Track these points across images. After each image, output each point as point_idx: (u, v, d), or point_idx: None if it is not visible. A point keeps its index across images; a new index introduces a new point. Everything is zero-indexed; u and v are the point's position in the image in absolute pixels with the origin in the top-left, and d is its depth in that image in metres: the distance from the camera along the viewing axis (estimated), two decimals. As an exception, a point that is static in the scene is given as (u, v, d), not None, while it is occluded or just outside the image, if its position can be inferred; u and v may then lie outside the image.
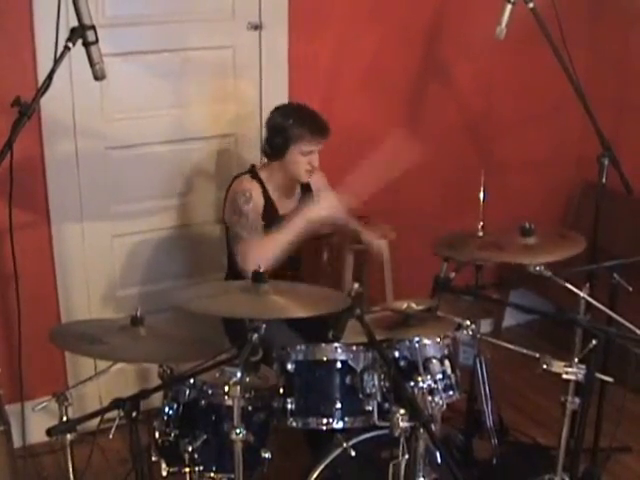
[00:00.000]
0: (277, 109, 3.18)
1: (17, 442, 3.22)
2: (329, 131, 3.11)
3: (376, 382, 2.42)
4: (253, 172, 3.19)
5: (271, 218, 3.14)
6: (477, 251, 2.88)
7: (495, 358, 3.17)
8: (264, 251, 2.97)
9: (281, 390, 2.45)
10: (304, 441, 2.92)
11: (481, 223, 2.96)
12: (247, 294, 2.41)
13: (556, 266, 2.62)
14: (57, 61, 2.31)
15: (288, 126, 3.08)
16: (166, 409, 2.48)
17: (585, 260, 3.04)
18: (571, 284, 2.56)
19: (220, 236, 3.59)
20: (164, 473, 2.46)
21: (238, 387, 2.15)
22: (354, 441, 2.47)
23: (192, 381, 2.46)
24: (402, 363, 2.47)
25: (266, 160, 3.21)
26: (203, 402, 2.44)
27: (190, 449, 2.39)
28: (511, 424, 3.43)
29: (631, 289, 2.80)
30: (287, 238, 3.03)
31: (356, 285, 2.36)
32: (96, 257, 3.48)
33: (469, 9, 3.86)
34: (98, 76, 2.40)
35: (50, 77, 2.31)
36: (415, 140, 3.12)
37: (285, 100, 3.59)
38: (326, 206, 3.08)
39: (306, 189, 3.31)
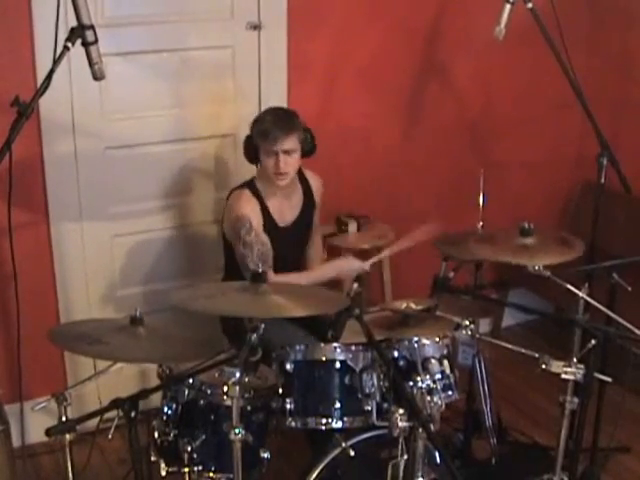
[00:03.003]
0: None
1: (16, 442, 3.22)
2: (288, 127, 3.03)
3: (375, 382, 2.42)
4: (251, 185, 3.16)
5: (269, 231, 3.12)
6: (475, 248, 2.88)
7: (494, 358, 3.18)
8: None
9: (280, 390, 2.45)
10: (304, 439, 2.91)
11: (480, 223, 2.97)
12: (246, 294, 2.42)
13: (555, 266, 2.62)
14: (56, 61, 2.31)
15: (254, 125, 3.11)
16: (165, 409, 2.49)
17: (584, 260, 3.04)
18: (570, 284, 2.56)
19: (219, 236, 3.59)
20: (163, 473, 2.46)
21: (237, 387, 2.16)
22: (353, 441, 2.47)
23: (191, 381, 2.46)
24: (401, 363, 2.48)
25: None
26: (202, 402, 2.44)
27: (189, 449, 2.39)
28: (510, 424, 3.43)
29: (630, 289, 2.80)
30: (312, 282, 3.10)
31: (355, 285, 2.36)
32: (95, 257, 3.48)
33: (468, 9, 3.87)
34: (97, 76, 2.40)
35: (49, 77, 2.31)
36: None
37: (284, 100, 3.60)
38: (356, 267, 3.15)
39: (308, 196, 3.30)
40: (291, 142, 3.04)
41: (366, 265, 3.17)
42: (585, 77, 3.30)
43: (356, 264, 3.17)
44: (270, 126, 3.02)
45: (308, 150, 3.15)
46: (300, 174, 3.24)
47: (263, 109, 3.33)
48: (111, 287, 3.56)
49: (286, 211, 3.21)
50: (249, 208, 3.09)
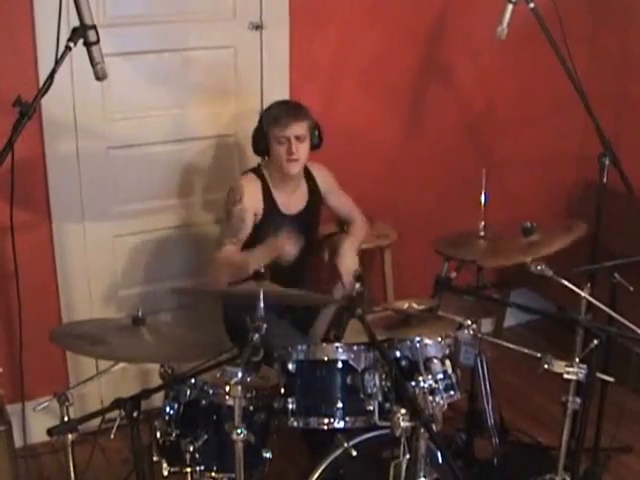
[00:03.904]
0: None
1: (18, 442, 3.22)
2: (298, 113, 3.09)
3: (377, 382, 2.42)
4: (257, 170, 3.19)
5: (273, 217, 3.13)
6: (483, 262, 2.89)
7: (496, 358, 3.17)
8: (228, 271, 3.04)
9: (282, 390, 2.45)
10: (302, 442, 2.91)
11: (482, 223, 2.96)
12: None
13: (557, 266, 2.62)
14: (58, 61, 2.31)
15: (263, 116, 3.15)
16: (167, 409, 2.49)
17: (586, 260, 3.04)
18: (572, 284, 2.55)
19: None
20: (165, 473, 2.46)
21: (239, 387, 2.16)
22: (355, 441, 2.47)
23: (193, 381, 2.46)
24: (403, 363, 2.47)
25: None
26: (204, 402, 2.45)
27: (191, 449, 2.39)
28: (512, 424, 3.42)
29: (632, 289, 2.80)
30: (254, 264, 2.88)
31: (357, 285, 2.36)
32: (97, 257, 3.48)
33: (470, 9, 3.86)
34: (99, 76, 2.40)
35: (51, 77, 2.31)
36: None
37: (286, 100, 3.60)
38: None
39: (313, 190, 3.30)
40: (302, 128, 3.08)
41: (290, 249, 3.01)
42: (587, 76, 3.30)
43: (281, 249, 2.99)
44: (282, 113, 3.09)
45: (316, 143, 3.18)
46: (305, 170, 3.25)
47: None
48: (113, 287, 3.57)
49: (291, 201, 3.23)
50: (247, 184, 3.13)
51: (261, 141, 3.14)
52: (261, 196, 3.13)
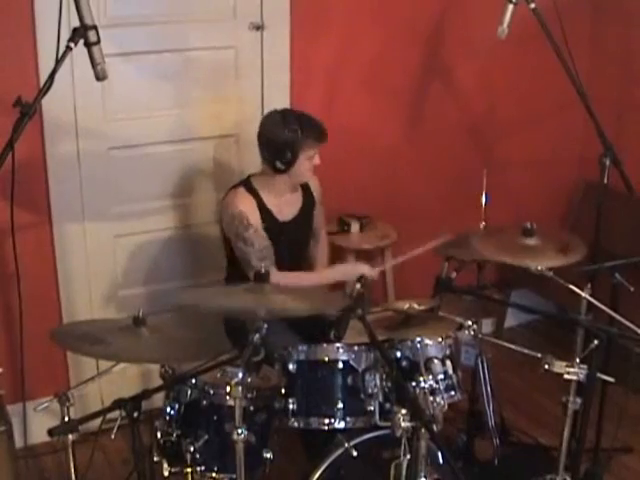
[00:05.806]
0: (275, 123, 3.06)
1: (19, 442, 3.22)
2: (327, 132, 3.11)
3: (378, 382, 2.42)
4: (247, 183, 3.15)
5: (271, 227, 3.12)
6: (478, 247, 2.88)
7: (497, 358, 3.17)
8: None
9: (283, 390, 2.45)
10: (300, 444, 2.91)
11: (483, 223, 2.96)
12: (249, 293, 2.43)
13: (558, 266, 2.61)
14: (59, 61, 2.31)
15: (297, 139, 3.01)
16: (168, 409, 2.49)
17: (587, 260, 3.04)
18: (573, 284, 2.55)
19: (220, 236, 3.59)
20: (166, 473, 2.46)
21: (240, 387, 2.16)
22: (356, 441, 2.47)
23: (194, 381, 2.46)
24: (404, 363, 2.48)
25: (268, 168, 3.12)
26: (205, 402, 2.45)
27: (192, 449, 2.39)
28: (512, 424, 3.43)
29: (633, 289, 2.80)
30: (321, 282, 3.19)
31: (358, 285, 2.36)
32: (98, 257, 3.48)
33: (471, 9, 3.86)
34: (100, 76, 2.40)
35: (52, 77, 2.31)
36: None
37: (286, 100, 3.60)
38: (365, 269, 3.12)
39: (307, 194, 3.30)
40: None
41: (374, 272, 3.11)
42: (588, 77, 3.30)
43: (364, 270, 3.08)
44: (320, 129, 3.07)
45: None
46: None
47: (266, 112, 3.29)
48: (113, 287, 3.57)
49: (285, 207, 3.20)
50: (245, 205, 3.08)
51: (288, 153, 3.02)
52: (257, 210, 3.10)
